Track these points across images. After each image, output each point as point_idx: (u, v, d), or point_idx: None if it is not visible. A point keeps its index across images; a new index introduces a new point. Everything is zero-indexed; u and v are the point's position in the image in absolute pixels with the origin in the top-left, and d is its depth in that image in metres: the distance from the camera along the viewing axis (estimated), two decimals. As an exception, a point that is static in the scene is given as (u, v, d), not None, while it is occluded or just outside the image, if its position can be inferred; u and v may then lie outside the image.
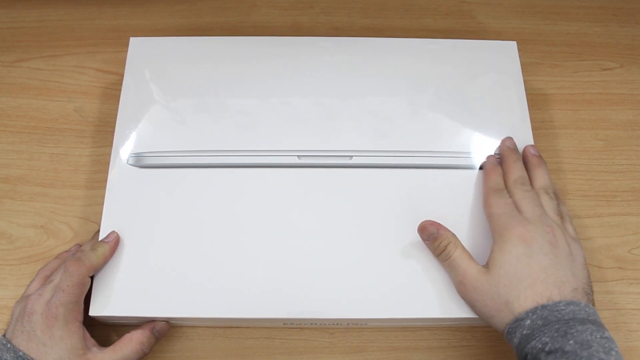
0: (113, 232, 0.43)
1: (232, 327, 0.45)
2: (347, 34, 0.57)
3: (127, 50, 0.50)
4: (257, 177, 0.44)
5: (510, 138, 0.46)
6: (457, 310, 0.41)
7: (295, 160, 0.45)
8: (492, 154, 0.46)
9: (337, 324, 0.43)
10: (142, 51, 0.50)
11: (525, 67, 0.50)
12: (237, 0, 0.59)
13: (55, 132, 0.52)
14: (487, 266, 0.39)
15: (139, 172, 0.45)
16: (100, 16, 0.58)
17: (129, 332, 0.41)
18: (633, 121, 0.54)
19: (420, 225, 0.42)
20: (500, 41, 0.51)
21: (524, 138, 0.47)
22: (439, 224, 0.41)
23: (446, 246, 0.40)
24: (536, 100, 0.54)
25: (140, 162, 0.45)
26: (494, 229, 0.40)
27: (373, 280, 0.42)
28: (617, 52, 0.57)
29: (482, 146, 0.46)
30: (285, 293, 0.41)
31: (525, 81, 0.49)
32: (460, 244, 0.41)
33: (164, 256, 0.42)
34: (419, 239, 0.42)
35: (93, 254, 0.41)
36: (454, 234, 0.41)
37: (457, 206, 0.44)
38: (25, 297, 0.41)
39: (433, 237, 0.41)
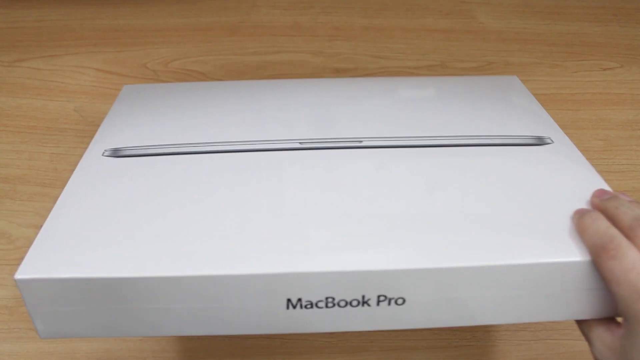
0: None
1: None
2: (348, 34, 0.57)
3: (127, 50, 0.50)
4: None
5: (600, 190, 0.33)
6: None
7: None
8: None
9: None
10: (131, 96, 0.45)
11: (525, 67, 0.50)
12: (237, 0, 0.59)
13: (55, 132, 0.52)
14: (619, 342, 0.31)
15: (116, 160, 0.37)
16: (100, 16, 0.58)
17: None
18: (633, 121, 0.54)
19: None
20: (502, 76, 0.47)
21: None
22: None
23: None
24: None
25: (118, 153, 0.38)
26: (619, 306, 0.30)
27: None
28: (617, 52, 0.57)
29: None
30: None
31: (525, 81, 0.49)
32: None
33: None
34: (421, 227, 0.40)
35: None
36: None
37: (466, 186, 0.39)
38: None
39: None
